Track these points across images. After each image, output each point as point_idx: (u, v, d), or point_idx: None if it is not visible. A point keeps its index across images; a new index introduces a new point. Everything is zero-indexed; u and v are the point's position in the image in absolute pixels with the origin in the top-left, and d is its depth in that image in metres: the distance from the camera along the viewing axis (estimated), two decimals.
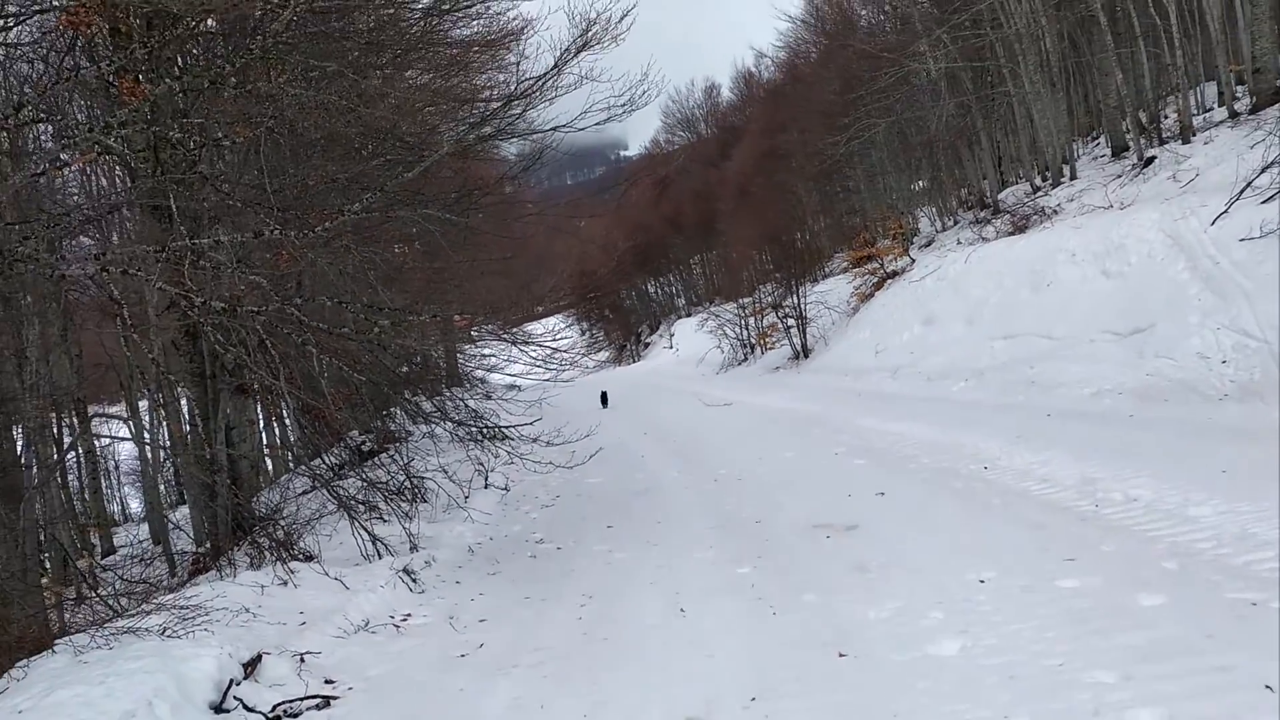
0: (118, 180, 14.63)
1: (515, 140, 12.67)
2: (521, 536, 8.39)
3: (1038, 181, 28.11)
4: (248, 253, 9.05)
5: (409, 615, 5.90)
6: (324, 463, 12.79)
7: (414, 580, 6.55)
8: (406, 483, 10.05)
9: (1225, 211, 12.70)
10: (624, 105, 8.06)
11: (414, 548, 7.34)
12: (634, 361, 62.51)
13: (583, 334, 70.72)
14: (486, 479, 10.72)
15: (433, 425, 14.88)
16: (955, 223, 31.35)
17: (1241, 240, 11.87)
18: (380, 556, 6.94)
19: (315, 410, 12.64)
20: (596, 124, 8.08)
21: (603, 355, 69.24)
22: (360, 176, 9.45)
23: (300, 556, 7.13)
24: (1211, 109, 23.50)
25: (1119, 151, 24.76)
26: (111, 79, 7.88)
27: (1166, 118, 24.14)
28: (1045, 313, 15.18)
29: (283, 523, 8.70)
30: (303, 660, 4.75)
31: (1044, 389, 12.16)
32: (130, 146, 9.38)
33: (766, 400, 18.60)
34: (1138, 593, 4.22)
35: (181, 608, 5.18)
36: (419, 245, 11.67)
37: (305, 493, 11.22)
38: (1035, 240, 18.08)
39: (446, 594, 6.45)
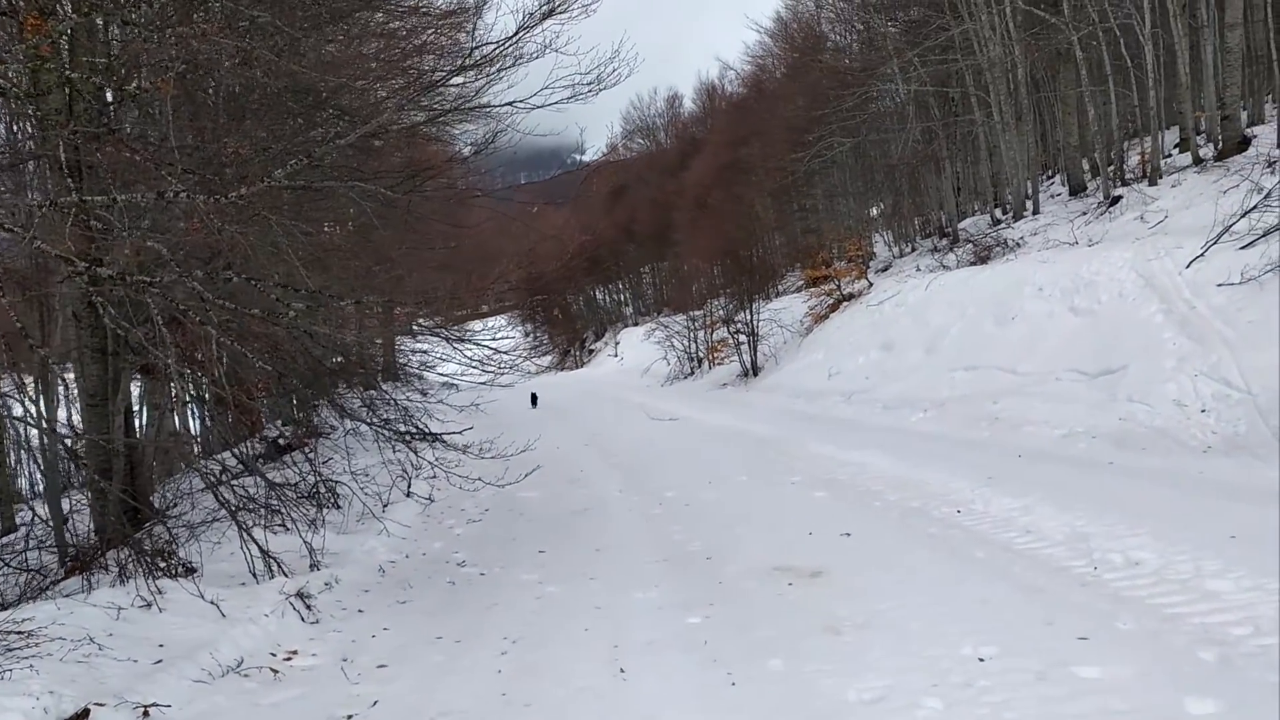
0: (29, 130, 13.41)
1: (468, 122, 11.76)
2: (442, 556, 7.46)
3: (998, 214, 27.87)
4: (154, 217, 8.04)
5: (295, 653, 4.96)
6: (235, 456, 11.74)
7: (309, 607, 5.60)
8: (319, 486, 9.07)
9: (1201, 255, 12.23)
10: (590, 84, 7.22)
11: (314, 565, 6.39)
12: (578, 367, 61.59)
13: (526, 336, 69.65)
14: (409, 487, 9.76)
15: (357, 423, 13.90)
16: (913, 249, 31.02)
17: (1220, 285, 11.39)
18: (272, 575, 5.98)
19: (228, 399, 11.58)
20: (560, 102, 7.24)
21: (546, 359, 68.24)
22: (296, 145, 8.48)
23: (178, 570, 6.15)
24: (1171, 155, 23.36)
25: (1076, 191, 24.55)
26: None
27: (1128, 160, 23.94)
28: (1009, 347, 14.63)
29: (164, 527, 7.68)
30: (146, 715, 3.80)
31: (1009, 426, 11.54)
32: (35, 88, 8.30)
33: (715, 418, 17.83)
34: (1182, 695, 3.47)
35: (8, 633, 4.19)
36: (352, 226, 10.68)
37: (204, 489, 10.16)
38: (999, 272, 17.59)
39: (346, 626, 5.51)
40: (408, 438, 14.48)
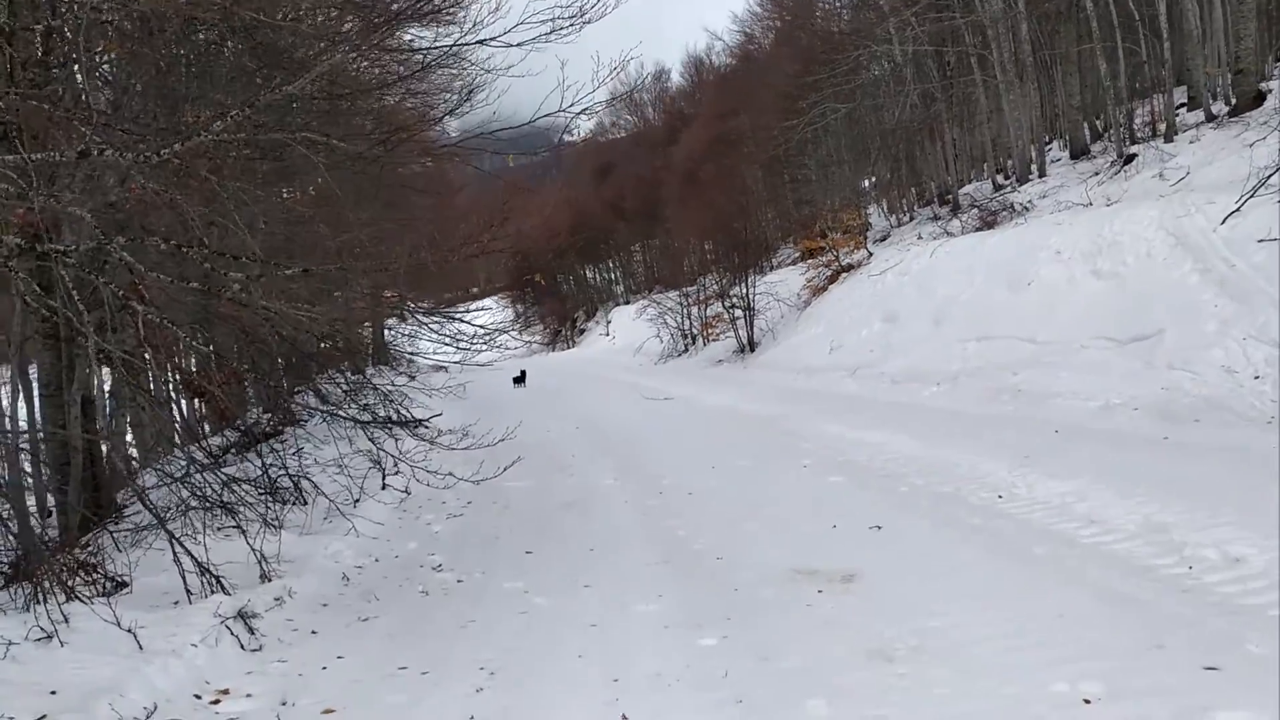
0: None
1: (441, 80, 10.77)
2: (415, 559, 6.56)
3: (999, 180, 26.94)
4: (89, 182, 7.08)
5: (225, 693, 4.07)
6: (202, 448, 10.81)
7: (251, 630, 4.70)
8: (281, 480, 8.15)
9: (1237, 209, 11.34)
10: (571, 18, 6.27)
11: (265, 576, 5.48)
12: (569, 347, 60.68)
13: (517, 317, 68.69)
14: (384, 478, 8.85)
15: (333, 410, 12.98)
16: (911, 218, 30.11)
17: (1260, 241, 10.51)
18: (211, 591, 5.07)
19: (197, 386, 10.62)
20: (538, 39, 6.28)
21: (536, 339, 67.30)
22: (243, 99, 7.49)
23: (106, 587, 5.24)
24: (1178, 113, 22.48)
25: (1079, 154, 23.65)
26: None
27: (1135, 119, 23.02)
28: (1026, 314, 13.75)
29: (106, 532, 6.77)
30: None
31: (1034, 399, 10.66)
32: None
33: (712, 396, 16.94)
34: None
35: None
36: (313, 191, 9.70)
37: (157, 486, 9.23)
38: (1010, 236, 16.69)
39: (293, 653, 4.62)
40: (388, 424, 13.60)
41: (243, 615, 4.68)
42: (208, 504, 7.03)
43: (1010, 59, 23.85)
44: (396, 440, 12.45)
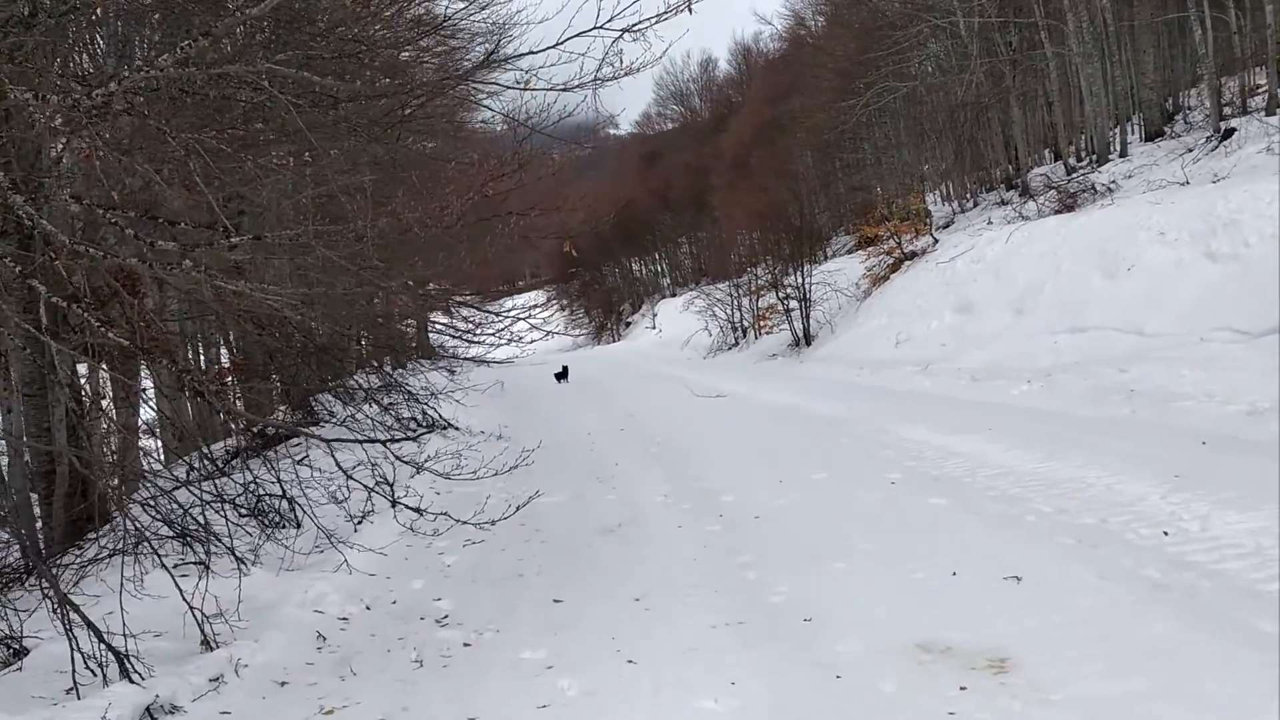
0: None
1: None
2: (417, 605, 5.25)
3: (1072, 161, 25.12)
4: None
5: None
6: (205, 456, 9.66)
7: None
8: (280, 497, 6.90)
9: None
10: None
11: (208, 641, 4.18)
12: (614, 340, 59.45)
13: (562, 310, 67.65)
14: (394, 495, 7.52)
15: (350, 410, 11.78)
16: (974, 204, 28.37)
17: None
18: (121, 672, 3.76)
19: (197, 384, 9.42)
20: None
21: (581, 333, 66.26)
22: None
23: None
24: (1261, 86, 20.66)
25: (1154, 134, 21.84)
26: None
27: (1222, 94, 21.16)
28: (1127, 303, 12.16)
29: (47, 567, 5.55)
30: None
31: (1153, 400, 9.09)
32: None
33: (768, 393, 15.49)
34: None
35: None
36: (310, 158, 8.35)
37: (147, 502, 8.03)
38: (1100, 218, 15.02)
39: None
40: (411, 427, 12.36)
41: (151, 713, 3.37)
42: (171, 533, 5.80)
43: (1088, 30, 22.05)
44: (420, 444, 11.23)
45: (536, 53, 4.74)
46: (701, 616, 4.48)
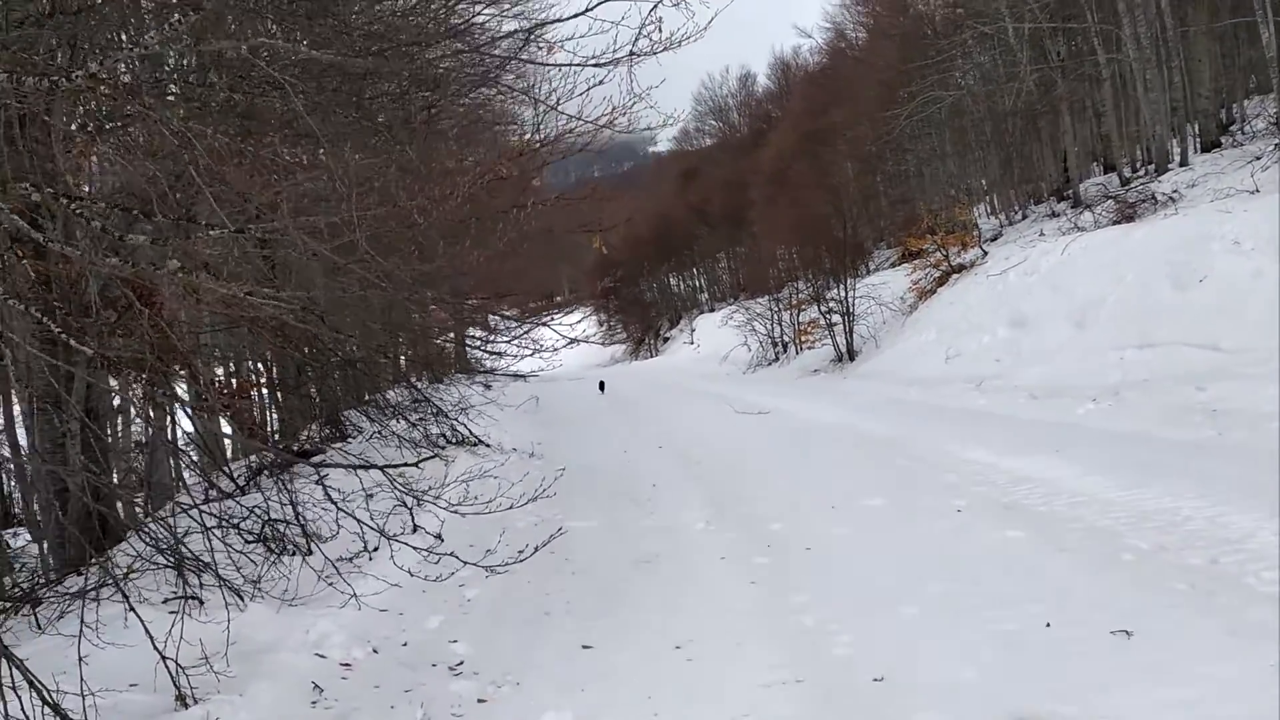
0: None
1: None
2: (430, 649, 4.67)
3: (1126, 173, 24.22)
4: None
5: None
6: (225, 473, 9.25)
7: None
8: (286, 523, 6.35)
9: None
10: None
11: (184, 697, 3.63)
12: (651, 356, 58.90)
13: (601, 325, 67.21)
14: (414, 517, 6.94)
15: (376, 427, 11.29)
16: (1023, 216, 27.50)
17: None
18: None
19: (220, 397, 8.97)
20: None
21: (619, 348, 65.83)
22: None
23: None
24: None
25: (1210, 145, 20.91)
26: None
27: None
28: (1201, 316, 11.36)
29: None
30: None
31: (1240, 421, 8.33)
32: None
33: (812, 410, 14.82)
34: None
35: None
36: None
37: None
38: (1165, 228, 14.20)
39: None
40: (441, 444, 11.84)
41: None
42: (166, 562, 5.28)
43: (1147, 34, 21.20)
44: (472, 453, 10.70)
45: (563, 21, 4.17)
46: (753, 673, 3.86)
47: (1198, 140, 21.75)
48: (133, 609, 3.87)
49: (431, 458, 6.68)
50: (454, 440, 11.82)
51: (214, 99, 4.96)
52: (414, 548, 5.05)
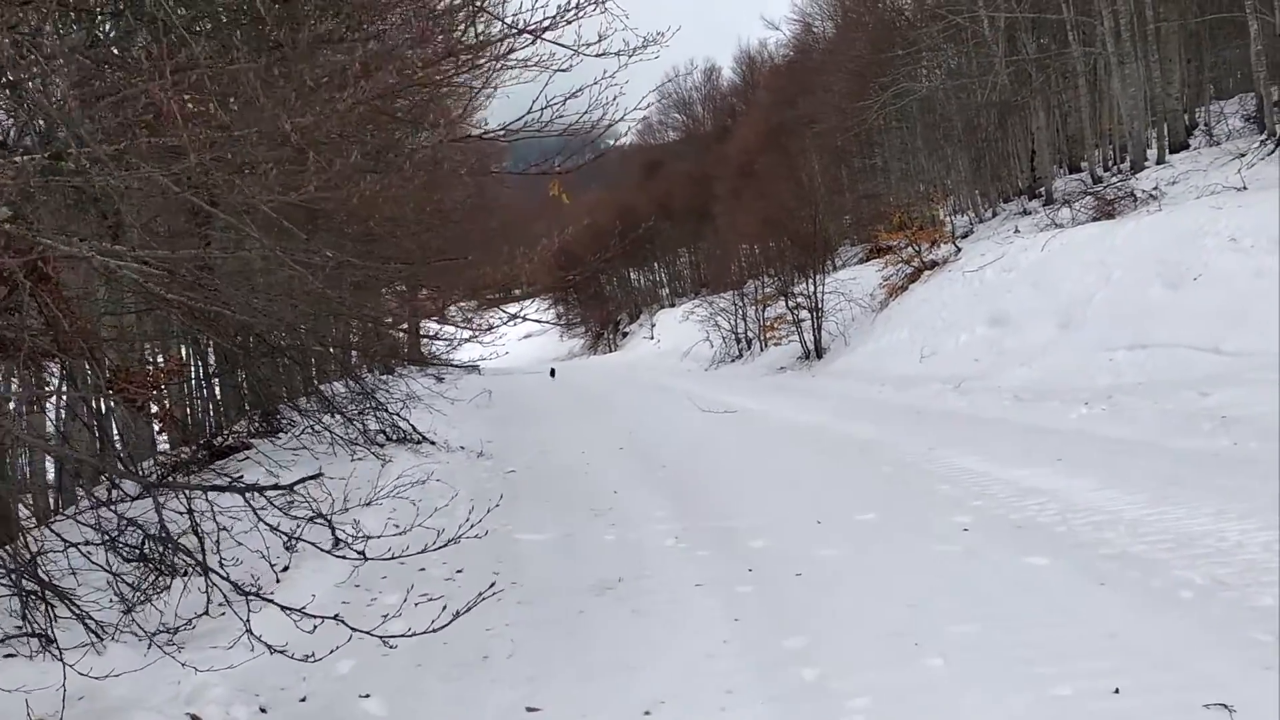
0: None
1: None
2: (333, 708, 3.74)
3: (1099, 170, 23.75)
4: None
5: None
6: (129, 472, 8.18)
7: None
8: (166, 540, 5.35)
9: None
10: None
11: None
12: (610, 351, 58.01)
13: (559, 319, 66.13)
14: (334, 533, 5.90)
15: (309, 422, 10.28)
16: (994, 213, 27.00)
17: None
18: None
19: (126, 387, 7.89)
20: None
21: (576, 344, 64.86)
22: None
23: None
24: None
25: (1178, 146, 20.50)
26: None
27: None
28: (1198, 316, 10.71)
29: None
30: None
31: (1254, 430, 7.60)
32: None
33: (783, 410, 14.02)
34: None
35: None
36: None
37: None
38: (1151, 224, 13.59)
39: None
40: (381, 439, 10.85)
41: None
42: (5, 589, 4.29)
43: (1125, 28, 20.66)
44: (382, 461, 9.72)
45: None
46: None
47: (1165, 141, 21.30)
48: (47, 635, 2.93)
49: (315, 477, 5.64)
50: (395, 437, 10.84)
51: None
52: (282, 607, 4.02)
